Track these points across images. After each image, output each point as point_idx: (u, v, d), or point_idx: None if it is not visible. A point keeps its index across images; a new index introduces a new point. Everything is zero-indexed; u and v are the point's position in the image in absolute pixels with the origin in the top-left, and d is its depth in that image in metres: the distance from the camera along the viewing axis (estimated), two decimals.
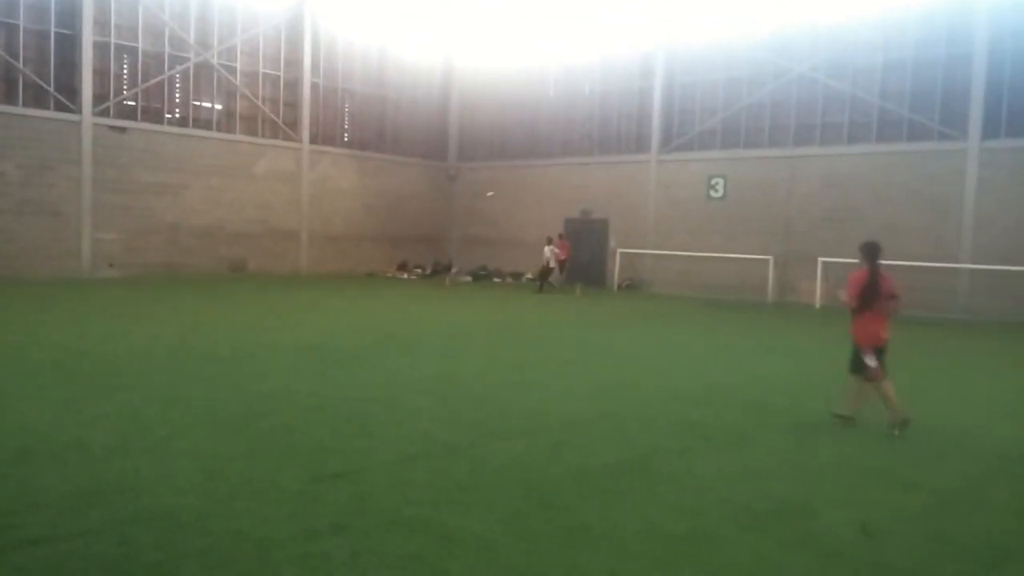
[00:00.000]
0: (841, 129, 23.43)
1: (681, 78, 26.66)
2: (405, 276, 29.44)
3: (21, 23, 21.81)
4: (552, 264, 24.77)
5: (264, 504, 5.00)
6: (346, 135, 29.93)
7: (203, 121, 25.73)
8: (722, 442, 7.11)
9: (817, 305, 22.05)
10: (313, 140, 28.41)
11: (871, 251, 7.77)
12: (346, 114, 29.87)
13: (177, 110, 25.23)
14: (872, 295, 7.66)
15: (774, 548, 4.62)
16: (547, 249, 24.87)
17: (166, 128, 24.68)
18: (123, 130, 23.54)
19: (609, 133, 28.66)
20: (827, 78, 23.50)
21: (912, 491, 5.84)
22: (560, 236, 27.08)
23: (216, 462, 5.83)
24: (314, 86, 28.32)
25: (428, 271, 30.58)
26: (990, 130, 20.81)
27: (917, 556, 4.58)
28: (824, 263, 22.10)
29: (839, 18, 23.35)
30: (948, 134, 21.49)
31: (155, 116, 24.62)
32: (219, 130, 26.01)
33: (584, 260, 27.67)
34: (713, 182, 25.63)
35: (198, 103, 25.68)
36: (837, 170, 23.20)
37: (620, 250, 27.20)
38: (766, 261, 23.67)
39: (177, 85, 25.11)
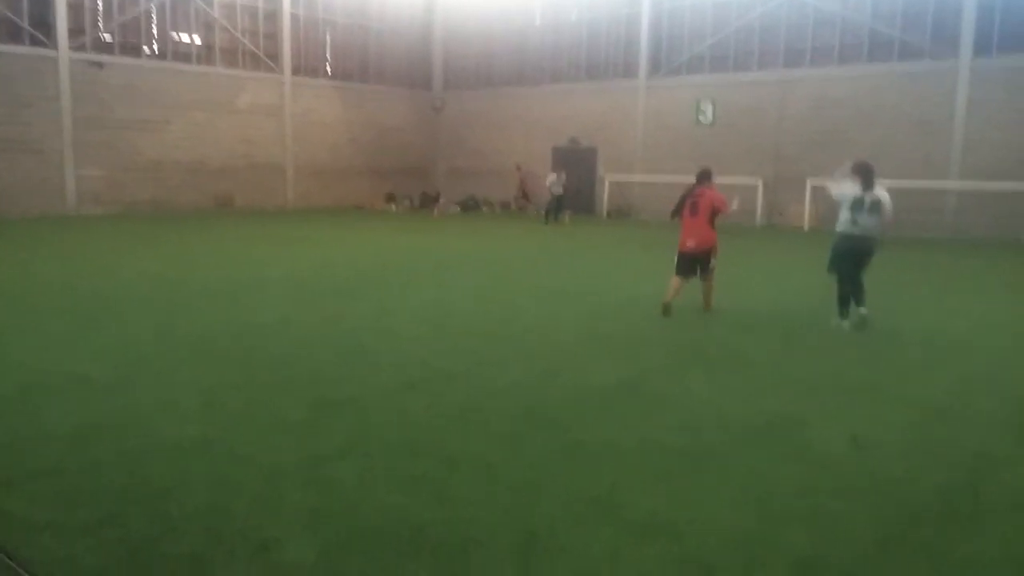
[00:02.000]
0: (831, 51, 23.14)
1: (669, 2, 26.16)
2: (393, 208, 29.26)
3: None
4: (558, 191, 23.86)
5: (268, 432, 5.08)
6: (329, 67, 29.36)
7: (182, 54, 25.17)
8: (714, 360, 7.23)
9: (805, 228, 22.12)
10: (295, 72, 27.86)
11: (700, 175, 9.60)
12: (328, 45, 29.25)
13: (155, 43, 24.64)
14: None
15: (769, 460, 4.75)
16: (551, 176, 24.15)
17: (144, 62, 24.15)
18: (101, 65, 23.02)
19: (597, 60, 28.22)
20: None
21: (900, 404, 5.97)
22: (518, 168, 28.17)
23: (216, 393, 5.90)
24: (294, 16, 27.65)
25: (416, 202, 30.41)
26: (981, 48, 20.60)
27: (906, 466, 4.71)
28: (813, 186, 22.06)
29: None
30: (939, 53, 21.27)
31: (133, 50, 24.06)
32: (199, 63, 25.46)
33: (573, 188, 27.52)
34: (702, 107, 25.38)
35: (176, 36, 25.07)
36: (827, 92, 22.99)
37: (609, 178, 27.06)
38: (755, 185, 23.63)
39: (154, 18, 24.47)
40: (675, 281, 9.37)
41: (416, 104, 32.06)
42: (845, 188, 8.63)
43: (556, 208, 23.87)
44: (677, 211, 9.51)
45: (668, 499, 4.17)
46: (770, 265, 14.43)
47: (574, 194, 26.17)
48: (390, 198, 30.02)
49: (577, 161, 27.82)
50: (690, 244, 9.28)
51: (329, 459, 4.63)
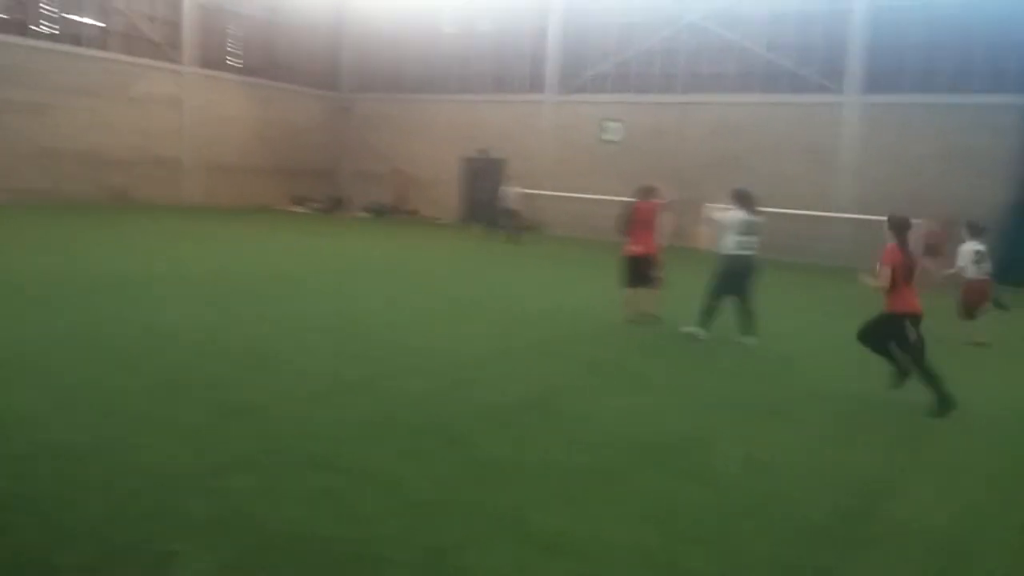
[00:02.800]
0: (729, 78, 24.06)
1: (576, 20, 26.65)
2: (300, 209, 28.64)
3: None
4: (514, 207, 22.62)
5: (166, 439, 4.90)
6: (233, 60, 28.50)
7: (74, 36, 23.93)
8: (618, 379, 7.39)
9: (701, 248, 22.85)
10: (197, 63, 26.92)
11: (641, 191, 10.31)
12: (233, 37, 28.41)
13: (44, 23, 23.36)
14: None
15: (670, 480, 4.88)
16: (507, 190, 23.00)
17: (33, 42, 22.85)
18: None
19: (505, 72, 28.43)
20: (718, 27, 23.99)
21: (793, 426, 6.25)
22: (398, 171, 28.73)
23: (112, 397, 5.64)
24: (197, 4, 26.71)
25: (325, 205, 29.85)
26: (868, 85, 21.83)
27: (800, 486, 4.93)
28: (709, 209, 22.80)
29: None
30: (828, 87, 22.42)
31: (20, 28, 22.73)
32: (93, 47, 24.27)
33: (483, 199, 27.61)
34: (607, 125, 25.90)
35: (68, 16, 23.83)
36: (725, 118, 23.87)
37: (516, 191, 27.21)
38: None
39: None
40: (628, 293, 10.15)
41: (324, 105, 31.50)
42: (732, 214, 9.33)
43: (510, 224, 22.52)
44: (624, 224, 10.16)
45: (573, 517, 4.23)
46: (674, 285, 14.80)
47: (484, 205, 26.23)
48: (299, 200, 29.34)
49: (486, 172, 27.91)
50: (637, 249, 10.04)
51: (230, 469, 4.50)
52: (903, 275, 6.97)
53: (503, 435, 5.50)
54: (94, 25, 24.35)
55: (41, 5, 23.12)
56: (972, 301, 10.47)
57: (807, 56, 22.79)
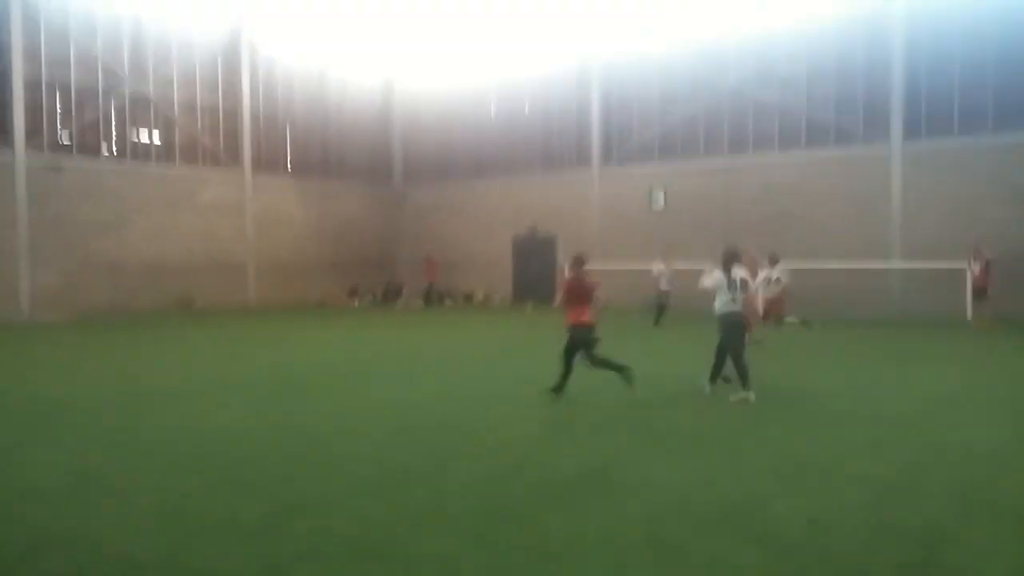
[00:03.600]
0: (772, 137, 24.11)
1: (618, 91, 27.16)
2: (356, 303, 29.26)
3: None
4: (664, 287, 19.35)
5: (224, 540, 5.01)
6: (289, 162, 29.74)
7: (141, 154, 25.35)
8: (675, 446, 7.30)
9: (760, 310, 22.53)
10: (255, 168, 28.15)
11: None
12: (288, 141, 29.70)
13: (114, 144, 24.84)
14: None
15: (729, 546, 4.79)
16: (657, 267, 19.75)
17: (103, 164, 24.26)
18: (59, 169, 22.97)
19: (551, 149, 29.01)
20: (756, 88, 24.18)
21: (854, 482, 6.08)
22: (428, 257, 29.04)
23: (173, 500, 5.80)
24: (254, 113, 28.11)
25: (379, 296, 30.46)
26: (911, 132, 21.64)
27: (862, 543, 4.79)
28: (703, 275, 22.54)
29: (763, 31, 24.03)
30: (873, 137, 22.27)
31: (91, 151, 24.19)
32: (158, 162, 25.63)
33: (533, 276, 27.88)
34: (654, 194, 26.07)
35: (136, 136, 25.31)
36: (770, 177, 23.81)
37: (567, 266, 27.38)
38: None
39: (113, 118, 24.72)
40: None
41: (377, 197, 32.44)
42: (714, 277, 9.85)
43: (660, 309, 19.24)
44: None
45: None
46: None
47: (535, 282, 26.47)
48: (353, 292, 30.03)
49: (537, 250, 28.25)
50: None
51: (286, 566, 4.57)
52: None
53: (560, 512, 5.47)
54: (158, 144, 25.72)
55: (109, 127, 24.55)
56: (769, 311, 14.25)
57: (848, 108, 22.73)
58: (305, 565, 4.59)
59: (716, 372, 9.93)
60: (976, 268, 18.58)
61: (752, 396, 9.34)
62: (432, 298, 29.07)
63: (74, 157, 23.65)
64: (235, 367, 12.95)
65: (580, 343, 9.61)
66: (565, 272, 10.46)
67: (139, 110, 25.26)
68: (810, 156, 23.28)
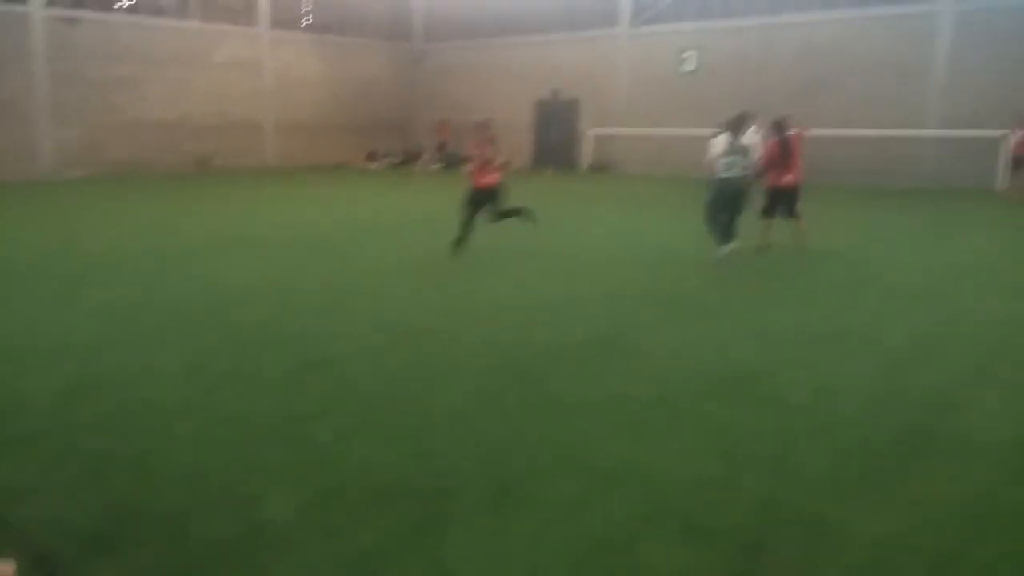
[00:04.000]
0: None
1: None
2: (374, 166, 29.09)
3: None
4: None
5: (248, 392, 5.18)
6: (307, 19, 28.89)
7: (156, 8, 24.68)
8: (685, 314, 7.36)
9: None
10: (273, 25, 27.41)
11: (779, 126, 10.34)
12: None
13: None
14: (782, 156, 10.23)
15: (736, 409, 4.90)
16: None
17: (119, 17, 23.69)
18: (75, 22, 22.56)
19: (577, 7, 27.88)
20: None
21: (866, 351, 6.13)
22: (442, 120, 28.22)
23: (197, 355, 5.98)
24: None
25: (398, 159, 30.22)
26: None
27: (871, 409, 4.88)
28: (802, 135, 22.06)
29: None
30: None
31: (106, 4, 23.56)
32: (174, 17, 24.98)
33: (555, 141, 27.44)
34: (684, 55, 25.16)
35: None
36: (811, 39, 22.84)
37: (591, 131, 26.91)
38: (761, 134, 23.52)
39: None
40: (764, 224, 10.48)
41: (396, 57, 31.66)
42: (718, 139, 9.77)
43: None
44: (783, 158, 10.29)
45: (636, 448, 4.31)
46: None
47: (556, 147, 26.10)
48: (372, 155, 29.79)
49: (559, 114, 27.68)
50: (788, 179, 10.35)
51: (308, 417, 4.74)
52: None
53: (569, 372, 5.60)
54: None
55: None
56: None
57: None
58: (327, 416, 4.76)
59: (725, 232, 9.82)
60: (1019, 135, 17.88)
61: (735, 246, 9.68)
62: (446, 159, 28.85)
63: (88, 11, 23.09)
64: (255, 226, 13.05)
65: (486, 201, 10.22)
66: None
67: None
68: (854, 15, 22.17)
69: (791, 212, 10.49)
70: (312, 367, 5.69)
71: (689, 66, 25.08)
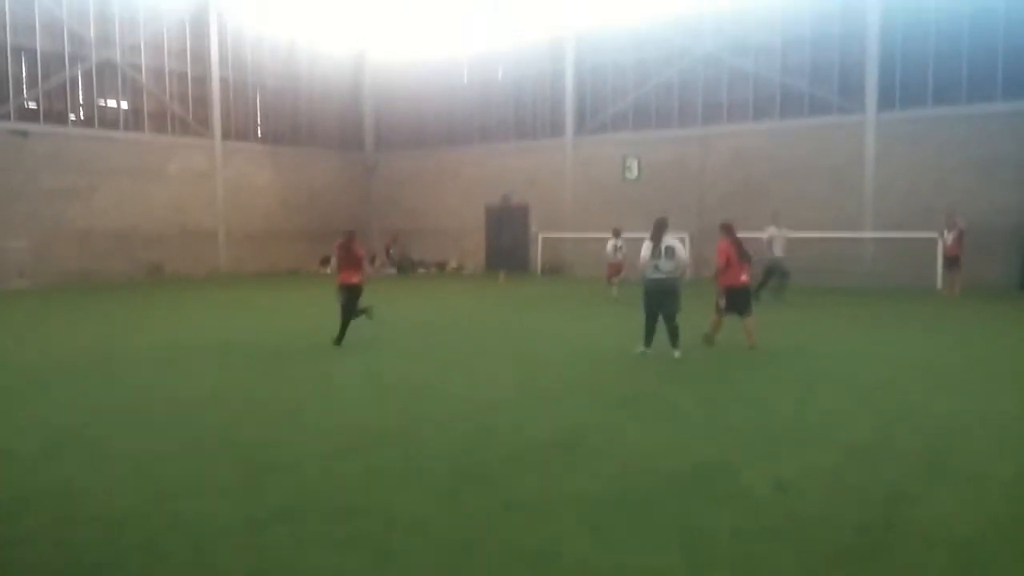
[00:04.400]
0: (747, 106, 24.21)
1: (591, 60, 27.05)
2: (328, 271, 29.11)
3: None
4: (778, 252, 18.01)
5: (202, 499, 5.06)
6: (260, 130, 29.40)
7: (110, 121, 24.93)
8: (645, 410, 7.43)
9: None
10: (225, 136, 27.79)
11: (729, 229, 11.09)
12: (258, 108, 29.33)
13: (81, 110, 24.40)
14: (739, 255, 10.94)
15: (699, 507, 4.91)
16: (770, 231, 18.20)
17: (71, 130, 23.85)
18: (25, 134, 22.63)
19: (525, 118, 28.92)
20: (731, 56, 24.23)
21: (823, 447, 6.23)
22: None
23: (150, 463, 5.83)
24: (223, 81, 27.69)
25: None
26: (885, 102, 21.82)
27: (828, 506, 4.93)
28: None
29: None
30: (847, 107, 22.43)
31: (59, 118, 23.75)
32: (127, 129, 25.24)
33: (507, 246, 27.88)
34: (628, 163, 26.09)
35: (103, 103, 24.87)
36: (745, 146, 23.94)
37: (541, 234, 27.48)
38: (682, 238, 24.20)
39: (80, 85, 24.26)
40: (717, 319, 11.11)
41: (348, 165, 32.19)
42: (644, 248, 10.38)
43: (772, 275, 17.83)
44: (740, 258, 10.99)
45: (600, 548, 4.28)
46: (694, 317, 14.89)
47: (508, 251, 26.53)
48: (325, 261, 29.86)
49: (510, 219, 28.25)
50: (744, 279, 11.03)
51: (265, 523, 4.63)
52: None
53: (531, 474, 5.58)
54: (126, 109, 25.31)
55: (76, 93, 24.11)
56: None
57: (823, 77, 22.86)
58: (284, 522, 4.65)
59: (650, 334, 10.37)
60: (950, 237, 18.77)
61: (678, 354, 10.09)
62: (404, 266, 29.12)
63: (41, 124, 23.22)
64: (205, 333, 12.89)
65: (352, 295, 11.80)
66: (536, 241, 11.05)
67: (106, 77, 24.79)
68: (784, 125, 23.42)
69: (747, 310, 11.02)
70: (268, 472, 5.59)
71: (631, 173, 25.98)
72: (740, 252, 10.97)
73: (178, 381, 8.99)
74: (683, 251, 10.34)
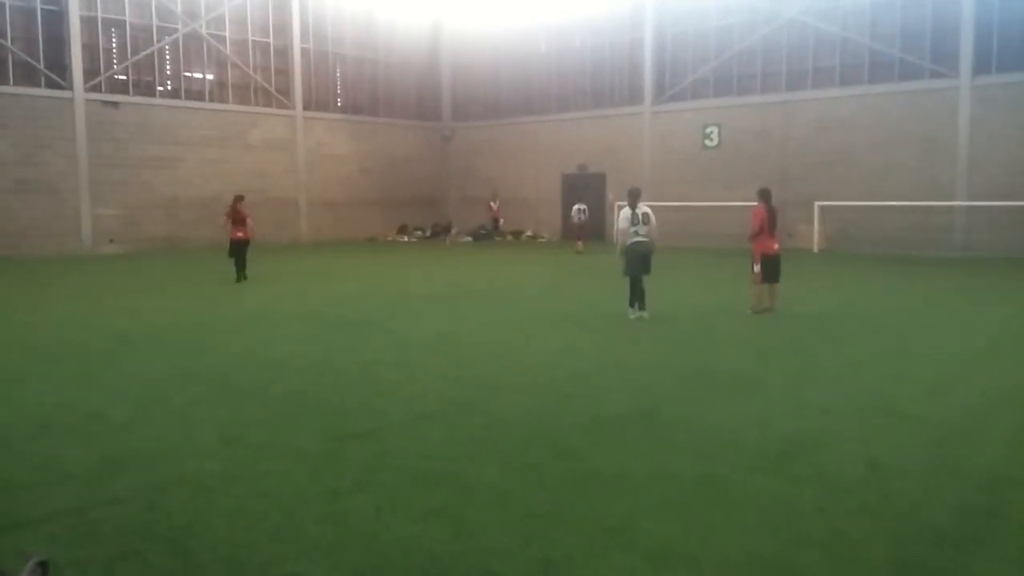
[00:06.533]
0: (833, 72, 23.33)
1: (672, 28, 26.45)
2: (405, 239, 29.49)
3: (7, 1, 21.59)
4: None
5: (286, 466, 5.13)
6: (339, 100, 29.75)
7: (195, 92, 25.59)
8: (729, 387, 7.24)
9: (815, 249, 22.10)
10: (306, 107, 28.25)
11: (766, 194, 11.32)
12: (338, 79, 29.67)
13: (168, 82, 25.09)
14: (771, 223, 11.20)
15: (784, 486, 4.75)
16: (576, 207, 24.16)
17: (158, 100, 24.58)
18: (116, 104, 23.43)
19: (602, 86, 28.50)
20: (817, 21, 23.32)
21: (916, 424, 5.97)
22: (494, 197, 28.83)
23: (235, 428, 5.96)
24: (304, 52, 28.08)
25: (428, 233, 30.62)
26: (981, 66, 20.74)
27: (923, 486, 4.71)
28: (821, 207, 22.13)
29: None
30: (939, 72, 21.39)
31: (147, 89, 24.49)
32: (212, 100, 25.88)
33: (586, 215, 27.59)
34: (708, 131, 25.52)
35: (189, 74, 25.53)
36: (830, 113, 23.11)
37: (617, 203, 27.10)
38: (652, 207, 23.52)
39: (167, 57, 24.92)
40: (759, 289, 11.33)
41: (426, 135, 32.36)
42: (623, 211, 11.03)
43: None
44: (762, 229, 11.27)
45: (684, 526, 4.18)
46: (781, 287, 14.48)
47: (586, 219, 26.30)
48: (402, 229, 30.24)
49: (586, 187, 27.97)
50: (776, 247, 11.31)
51: (346, 492, 4.67)
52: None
53: (611, 447, 5.49)
54: (211, 80, 25.89)
55: (164, 65, 24.77)
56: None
57: (914, 42, 21.85)
58: (365, 490, 4.68)
59: (640, 296, 10.92)
60: None
61: (646, 315, 10.74)
62: (484, 234, 29.20)
63: (130, 95, 23.96)
64: (291, 300, 13.15)
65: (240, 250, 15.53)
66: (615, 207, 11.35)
67: (192, 49, 25.39)
68: (873, 91, 22.49)
69: (776, 278, 11.31)
70: (349, 440, 5.64)
71: (712, 141, 25.39)
72: (772, 220, 11.24)
73: (260, 347, 9.17)
74: (653, 217, 10.98)
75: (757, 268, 11.17)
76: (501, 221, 29.03)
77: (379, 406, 6.59)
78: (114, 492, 4.69)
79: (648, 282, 11.05)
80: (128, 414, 6.36)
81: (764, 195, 11.38)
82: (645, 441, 5.63)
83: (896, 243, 21.11)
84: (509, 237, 29.74)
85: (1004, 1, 20.34)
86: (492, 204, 28.61)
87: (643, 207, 11.00)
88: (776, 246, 11.32)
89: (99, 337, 9.97)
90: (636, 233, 10.87)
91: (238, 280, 15.42)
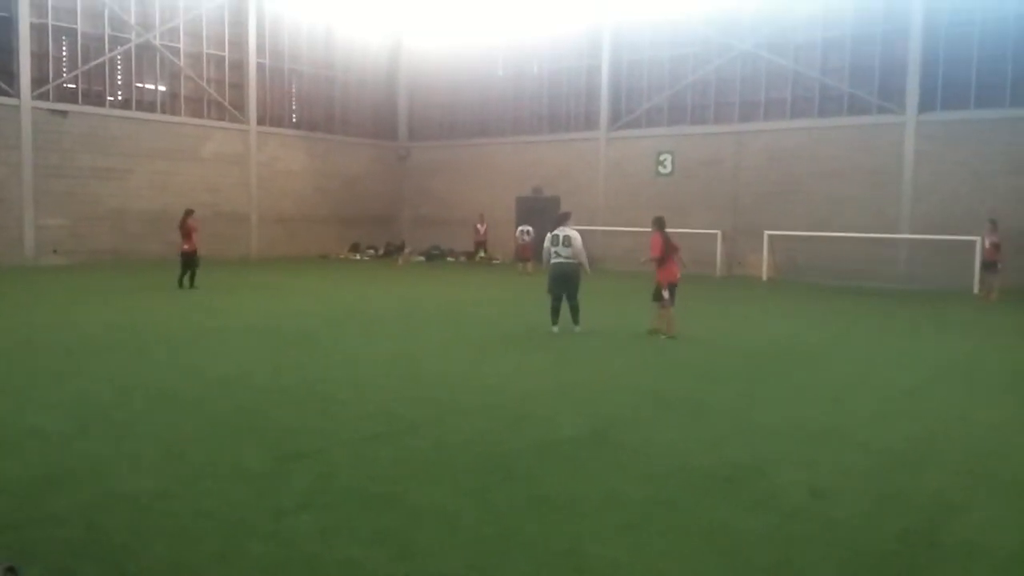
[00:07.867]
0: (784, 104, 23.87)
1: (628, 56, 26.83)
2: (357, 257, 29.28)
3: None
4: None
5: (228, 484, 5.03)
6: (294, 116, 29.55)
7: (147, 103, 25.18)
8: (678, 410, 7.30)
9: (764, 277, 22.48)
10: (261, 121, 27.97)
11: (661, 222, 11.67)
12: (294, 94, 29.48)
13: (120, 92, 24.65)
14: (670, 250, 11.50)
15: (731, 510, 4.79)
16: (520, 229, 24.96)
17: (109, 111, 24.11)
18: (64, 114, 22.94)
19: (558, 111, 28.76)
20: (770, 54, 23.89)
21: (860, 451, 6.07)
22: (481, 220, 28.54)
23: (177, 444, 5.82)
24: (260, 67, 27.86)
25: (381, 251, 30.45)
26: (926, 103, 21.41)
27: (865, 513, 4.79)
28: (770, 236, 22.55)
29: None
30: (886, 107, 22.04)
31: (97, 99, 24.03)
32: (164, 112, 25.48)
33: (535, 238, 27.72)
34: (661, 158, 25.89)
35: (141, 85, 25.10)
36: (781, 144, 23.63)
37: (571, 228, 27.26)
38: (714, 235, 24.02)
39: (119, 67, 24.51)
40: (670, 313, 11.54)
41: (381, 154, 32.27)
42: (547, 238, 11.89)
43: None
44: (666, 255, 11.56)
45: (631, 552, 4.19)
46: (730, 314, 14.68)
47: (536, 243, 26.40)
48: (355, 247, 30.04)
49: (540, 211, 28.09)
50: (679, 274, 11.76)
51: (291, 512, 4.58)
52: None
53: (561, 470, 5.48)
54: (163, 92, 25.52)
55: (115, 76, 24.35)
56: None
57: (863, 77, 22.48)
58: (309, 511, 4.60)
59: (556, 313, 11.74)
60: (988, 241, 18.37)
61: (578, 329, 11.56)
62: (436, 255, 29.13)
63: (80, 105, 23.49)
64: (240, 315, 12.95)
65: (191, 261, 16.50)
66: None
67: (145, 60, 25.03)
68: (822, 125, 23.06)
69: (672, 302, 11.61)
70: (295, 459, 5.55)
71: (665, 168, 25.78)
72: (668, 246, 11.57)
73: (205, 361, 9.00)
74: (578, 240, 11.65)
75: (666, 294, 11.45)
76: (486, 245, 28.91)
77: (326, 425, 6.50)
78: (51, 509, 4.55)
79: (582, 300, 11.89)
80: (67, 429, 6.19)
81: (659, 223, 11.67)
82: (595, 464, 5.64)
83: (843, 274, 21.58)
84: (463, 258, 29.71)
85: (950, 41, 21.05)
86: (479, 227, 28.37)
87: (566, 230, 11.67)
88: (677, 274, 11.67)
89: (39, 350, 9.69)
90: (557, 254, 11.62)
91: (179, 285, 16.48)
